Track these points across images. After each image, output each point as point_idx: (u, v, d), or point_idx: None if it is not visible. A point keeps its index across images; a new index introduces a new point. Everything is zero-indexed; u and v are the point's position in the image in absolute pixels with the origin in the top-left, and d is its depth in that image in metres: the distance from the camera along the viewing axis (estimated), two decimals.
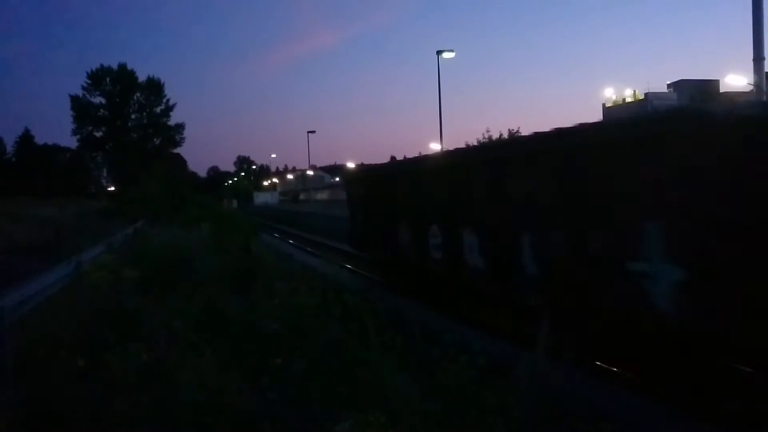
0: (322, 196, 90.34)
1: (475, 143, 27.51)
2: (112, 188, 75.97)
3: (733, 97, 79.48)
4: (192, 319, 6.37)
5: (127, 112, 67.35)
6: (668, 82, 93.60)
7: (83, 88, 65.44)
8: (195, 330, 5.64)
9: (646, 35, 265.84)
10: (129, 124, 67.77)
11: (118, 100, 65.96)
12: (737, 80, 46.75)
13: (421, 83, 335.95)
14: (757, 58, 17.99)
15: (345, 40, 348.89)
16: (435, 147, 40.40)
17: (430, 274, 11.40)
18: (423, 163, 13.19)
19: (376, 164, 18.02)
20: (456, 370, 4.56)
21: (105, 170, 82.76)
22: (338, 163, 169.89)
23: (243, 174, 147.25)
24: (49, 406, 4.32)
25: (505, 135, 26.93)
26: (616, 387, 6.15)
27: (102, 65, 66.21)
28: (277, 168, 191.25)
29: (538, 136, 8.13)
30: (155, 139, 68.96)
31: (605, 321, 6.70)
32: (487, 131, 27.31)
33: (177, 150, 72.58)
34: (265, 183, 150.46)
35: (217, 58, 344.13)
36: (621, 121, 7.59)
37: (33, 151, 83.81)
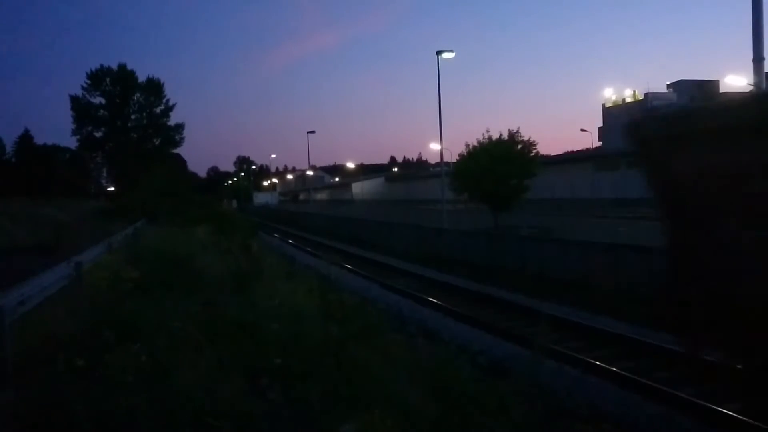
0: (321, 196, 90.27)
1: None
2: (112, 188, 75.97)
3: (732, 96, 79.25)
4: (192, 320, 6.37)
5: (127, 112, 67.36)
6: (668, 83, 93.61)
7: (83, 88, 65.51)
8: (195, 330, 5.64)
9: (646, 35, 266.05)
10: (129, 125, 67.77)
11: (118, 100, 65.97)
12: (737, 80, 46.84)
13: (420, 84, 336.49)
14: (757, 59, 17.95)
15: (345, 41, 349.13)
16: (435, 147, 40.46)
17: None
18: None
19: None
20: None
21: (105, 170, 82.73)
22: (338, 163, 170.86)
23: (243, 174, 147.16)
24: (48, 406, 4.31)
25: (505, 135, 26.83)
26: None
27: (102, 65, 66.28)
28: (277, 168, 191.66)
29: None
30: (155, 140, 68.98)
31: None
32: (487, 131, 27.18)
33: (177, 150, 72.67)
34: (265, 183, 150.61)
35: (218, 59, 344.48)
36: None
37: (33, 152, 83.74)
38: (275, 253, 22.62)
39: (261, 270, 11.12)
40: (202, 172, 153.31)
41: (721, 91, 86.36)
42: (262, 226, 48.57)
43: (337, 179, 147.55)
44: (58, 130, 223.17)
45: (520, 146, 26.52)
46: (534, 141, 26.72)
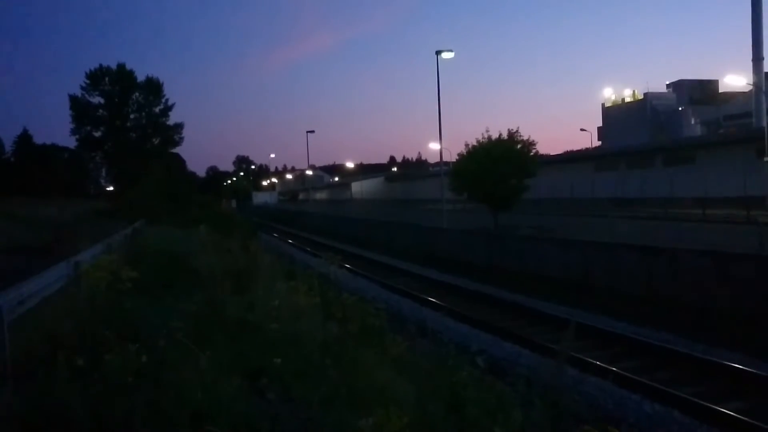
0: (321, 196, 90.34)
1: (475, 143, 27.41)
2: (111, 188, 75.90)
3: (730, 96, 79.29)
4: (191, 319, 6.35)
5: (126, 111, 67.37)
6: (667, 82, 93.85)
7: (82, 88, 65.54)
8: (194, 330, 5.63)
9: (645, 35, 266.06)
10: (128, 124, 67.80)
11: (117, 100, 65.98)
12: (736, 80, 46.95)
13: (420, 84, 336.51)
14: (756, 59, 18.02)
15: (344, 41, 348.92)
16: (434, 147, 40.40)
17: None
18: None
19: None
20: None
21: (104, 170, 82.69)
22: (337, 163, 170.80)
23: (242, 174, 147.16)
24: (47, 407, 4.30)
25: (505, 135, 26.82)
26: None
27: (101, 65, 66.32)
28: (276, 168, 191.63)
29: None
30: (154, 139, 68.99)
31: None
32: (487, 131, 27.16)
33: (176, 150, 72.70)
34: (264, 183, 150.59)
35: (217, 58, 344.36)
36: None
37: (32, 151, 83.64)
38: (274, 252, 22.61)
39: (260, 269, 11.09)
40: (202, 172, 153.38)
41: (720, 91, 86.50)
42: (261, 225, 48.54)
43: (336, 179, 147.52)
44: (57, 129, 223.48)
45: (519, 146, 26.50)
46: (533, 141, 26.74)
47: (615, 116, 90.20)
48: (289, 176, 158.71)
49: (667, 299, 14.47)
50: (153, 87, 67.70)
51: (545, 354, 7.23)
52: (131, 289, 7.78)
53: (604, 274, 16.79)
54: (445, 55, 30.45)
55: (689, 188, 40.32)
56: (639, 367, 10.26)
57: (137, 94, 67.27)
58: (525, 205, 29.56)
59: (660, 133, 76.52)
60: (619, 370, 9.62)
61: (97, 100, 66.09)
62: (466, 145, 27.87)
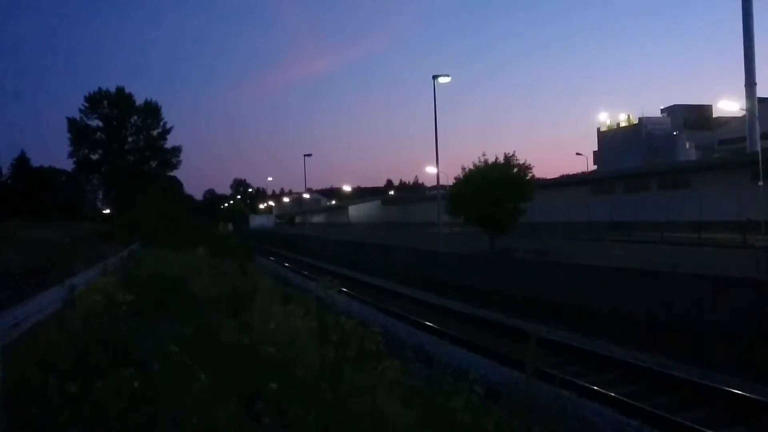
0: (318, 219, 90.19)
1: (471, 167, 27.52)
2: (108, 211, 75.76)
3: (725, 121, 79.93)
4: (186, 343, 6.31)
5: (124, 134, 67.48)
6: (662, 107, 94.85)
7: (81, 110, 65.65)
8: (189, 354, 5.59)
9: (640, 60, 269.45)
10: (126, 147, 67.85)
11: (115, 123, 66.14)
12: (730, 105, 47.43)
13: (417, 107, 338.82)
14: (749, 83, 18.23)
15: (341, 64, 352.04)
16: (431, 170, 40.58)
17: None
18: None
19: None
20: None
21: (101, 193, 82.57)
22: (334, 186, 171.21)
23: (239, 197, 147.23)
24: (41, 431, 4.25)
25: (501, 159, 26.95)
26: None
27: (100, 88, 66.52)
28: (274, 191, 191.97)
29: None
30: (152, 162, 69.04)
31: None
32: (483, 155, 27.28)
33: (173, 173, 72.59)
34: (262, 206, 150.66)
35: (214, 82, 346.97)
36: None
37: (29, 174, 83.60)
38: (271, 275, 22.52)
39: (256, 293, 11.06)
40: (199, 195, 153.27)
41: (714, 116, 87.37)
42: (258, 248, 48.48)
43: (333, 202, 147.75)
44: (54, 152, 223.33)
45: (515, 169, 26.60)
46: (530, 164, 26.83)
47: (610, 140, 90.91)
48: (286, 199, 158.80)
49: (665, 323, 14.44)
50: (151, 110, 67.96)
51: (543, 379, 7.25)
52: (127, 312, 7.74)
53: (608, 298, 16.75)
54: (442, 80, 30.65)
55: (685, 212, 40.45)
56: (638, 391, 10.19)
57: (135, 117, 67.48)
58: (522, 228, 29.57)
59: (655, 157, 77.05)
60: (617, 395, 9.55)
61: (95, 123, 66.24)
62: (463, 168, 27.97)
